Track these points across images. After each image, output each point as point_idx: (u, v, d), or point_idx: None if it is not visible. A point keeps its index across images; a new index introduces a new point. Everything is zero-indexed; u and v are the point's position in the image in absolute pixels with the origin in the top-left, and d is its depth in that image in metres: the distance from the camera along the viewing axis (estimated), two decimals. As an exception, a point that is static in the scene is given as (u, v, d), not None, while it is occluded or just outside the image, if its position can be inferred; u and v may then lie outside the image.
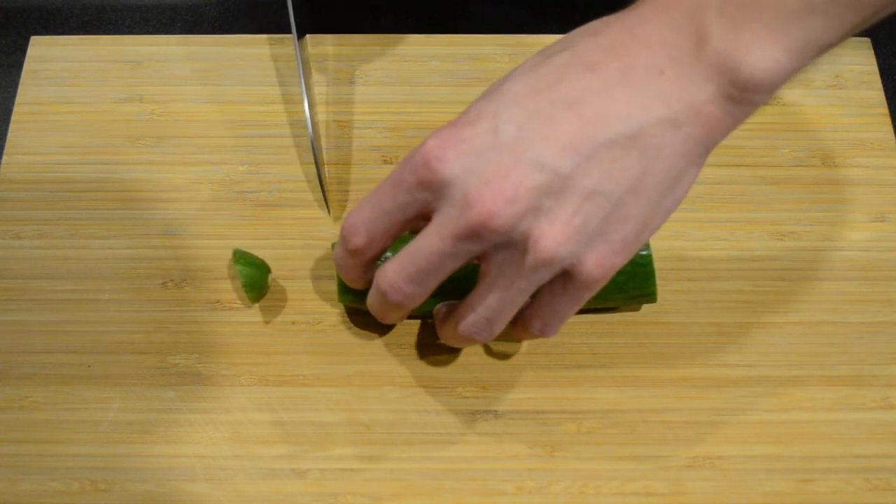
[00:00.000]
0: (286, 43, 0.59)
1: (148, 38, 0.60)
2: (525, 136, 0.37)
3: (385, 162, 0.55)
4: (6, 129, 0.56)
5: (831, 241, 0.53)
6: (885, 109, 0.58)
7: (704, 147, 0.38)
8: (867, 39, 0.60)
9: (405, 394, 0.49)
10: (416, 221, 0.41)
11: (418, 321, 0.51)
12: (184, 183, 0.55)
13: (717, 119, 0.38)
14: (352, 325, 0.51)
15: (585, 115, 0.37)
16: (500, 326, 0.42)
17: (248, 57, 0.59)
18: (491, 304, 0.41)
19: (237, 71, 0.58)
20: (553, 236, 0.37)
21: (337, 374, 0.49)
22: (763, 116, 0.57)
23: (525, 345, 0.50)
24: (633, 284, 0.48)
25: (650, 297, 0.49)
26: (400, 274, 0.41)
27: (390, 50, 0.59)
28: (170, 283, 0.52)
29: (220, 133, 0.56)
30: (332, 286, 0.52)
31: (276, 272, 0.52)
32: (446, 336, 0.45)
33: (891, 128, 0.57)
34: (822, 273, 0.53)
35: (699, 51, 0.37)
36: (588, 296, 0.40)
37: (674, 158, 0.38)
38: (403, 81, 0.58)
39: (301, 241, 0.53)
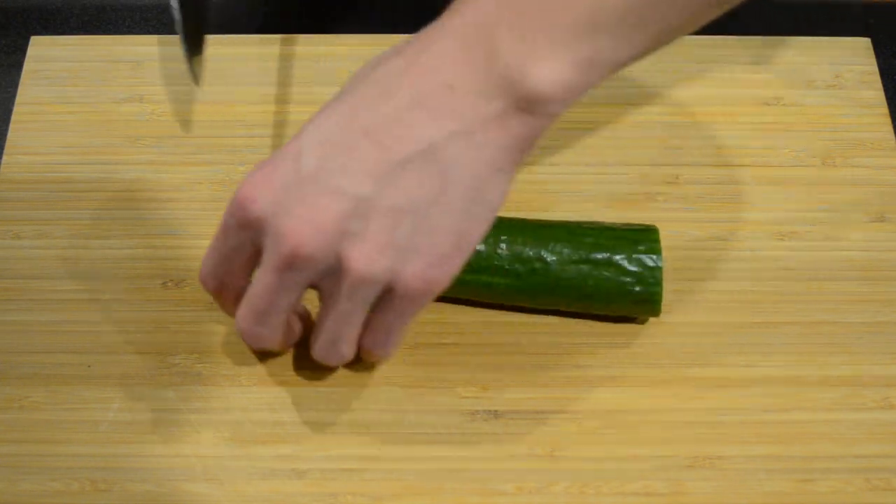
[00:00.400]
0: (286, 43, 0.59)
1: (148, 38, 0.60)
2: (326, 166, 0.39)
3: (385, 162, 0.55)
4: (6, 129, 0.56)
5: (831, 241, 0.53)
6: (885, 109, 0.58)
7: (509, 153, 0.40)
8: (867, 39, 0.60)
9: (405, 394, 0.49)
10: (257, 257, 0.43)
11: (422, 321, 0.51)
12: (184, 183, 0.55)
13: (514, 129, 0.39)
14: (352, 325, 0.51)
15: (381, 140, 0.39)
16: (346, 348, 0.44)
17: (248, 57, 0.59)
18: (330, 328, 0.43)
19: (237, 71, 0.58)
20: (364, 255, 0.40)
21: (337, 374, 0.49)
22: (763, 116, 0.57)
23: (525, 345, 0.50)
24: (639, 287, 0.48)
25: (654, 306, 0.49)
26: (246, 318, 0.43)
27: (390, 50, 0.59)
28: (170, 283, 0.52)
29: (220, 133, 0.56)
30: (332, 286, 0.52)
31: (276, 272, 0.52)
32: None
33: (891, 128, 0.57)
34: (822, 273, 0.52)
35: (489, 65, 0.38)
36: (414, 309, 0.42)
37: (474, 167, 0.39)
38: (403, 81, 0.58)
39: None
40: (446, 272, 0.41)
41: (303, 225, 0.39)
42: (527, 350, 0.50)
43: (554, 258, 0.48)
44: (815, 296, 0.52)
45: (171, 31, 0.61)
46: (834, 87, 0.58)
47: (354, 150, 0.39)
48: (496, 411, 0.49)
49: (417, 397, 0.49)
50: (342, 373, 0.49)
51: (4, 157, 0.55)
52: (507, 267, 0.48)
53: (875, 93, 0.58)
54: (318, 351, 0.45)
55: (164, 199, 0.54)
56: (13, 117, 0.56)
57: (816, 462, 0.48)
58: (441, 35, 0.40)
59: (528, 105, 0.39)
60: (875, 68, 0.59)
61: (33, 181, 0.54)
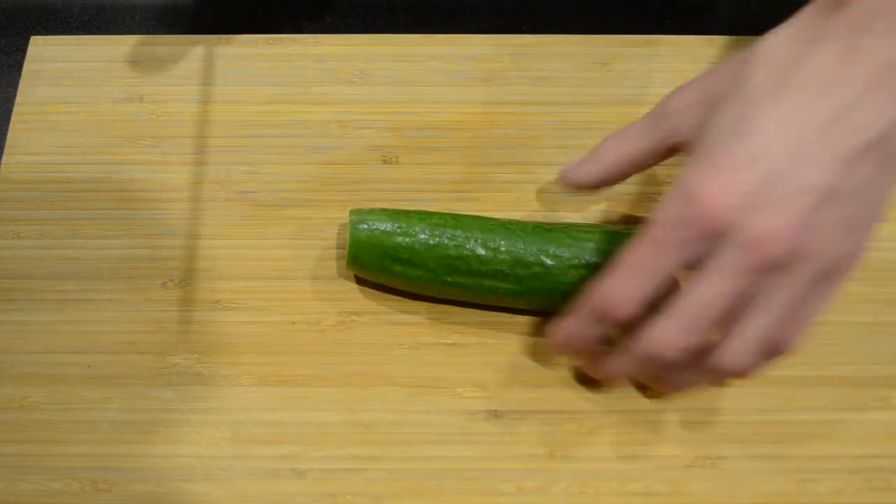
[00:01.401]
0: (286, 43, 0.59)
1: (148, 38, 0.60)
2: (792, 164, 0.40)
3: (385, 162, 0.55)
4: (6, 129, 0.56)
5: (831, 241, 0.53)
6: (885, 109, 0.57)
7: None
8: (867, 39, 0.60)
9: (405, 394, 0.49)
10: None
11: (422, 321, 0.51)
12: (184, 183, 0.55)
13: None
14: (352, 325, 0.51)
15: (843, 129, 0.40)
16: (789, 344, 0.43)
17: (248, 57, 0.59)
18: (762, 329, 0.42)
19: (237, 71, 0.58)
20: (829, 242, 0.40)
21: (337, 374, 0.49)
22: (763, 116, 0.57)
23: (525, 345, 0.50)
24: None
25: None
26: (677, 332, 0.42)
27: (390, 50, 0.59)
28: (170, 283, 0.52)
29: (220, 133, 0.56)
30: (333, 286, 0.52)
31: (276, 272, 0.52)
32: (677, 383, 0.45)
33: (891, 128, 0.57)
34: (822, 273, 0.52)
35: None
36: (839, 286, 0.42)
37: None
38: (403, 81, 0.58)
39: (301, 241, 0.53)
40: (868, 244, 0.42)
41: (778, 226, 0.39)
42: (527, 350, 0.50)
43: (554, 263, 0.48)
44: (815, 296, 0.52)
45: (172, 31, 0.61)
46: None
47: (817, 143, 0.40)
48: (496, 411, 0.49)
49: (417, 397, 0.49)
50: (342, 372, 0.49)
51: (4, 157, 0.55)
52: (507, 271, 0.48)
53: (875, 93, 0.58)
54: (739, 357, 0.42)
55: (164, 199, 0.54)
56: (13, 117, 0.56)
57: (816, 462, 0.48)
58: (868, 16, 0.40)
59: None
60: (875, 68, 0.59)
61: (33, 181, 0.54)
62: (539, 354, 0.50)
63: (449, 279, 0.49)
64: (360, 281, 0.52)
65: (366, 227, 0.49)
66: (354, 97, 0.58)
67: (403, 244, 0.49)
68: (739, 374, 0.43)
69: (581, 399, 0.49)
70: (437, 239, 0.49)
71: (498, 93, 0.58)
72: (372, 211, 0.50)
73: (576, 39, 0.60)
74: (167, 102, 0.57)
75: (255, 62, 0.59)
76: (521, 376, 0.50)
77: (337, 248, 0.53)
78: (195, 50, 0.59)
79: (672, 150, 0.46)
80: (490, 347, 0.50)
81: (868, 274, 0.52)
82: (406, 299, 0.51)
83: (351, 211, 0.50)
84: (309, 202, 0.54)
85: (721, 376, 0.44)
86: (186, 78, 0.58)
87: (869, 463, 0.48)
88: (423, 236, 0.49)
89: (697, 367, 0.44)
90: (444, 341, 0.50)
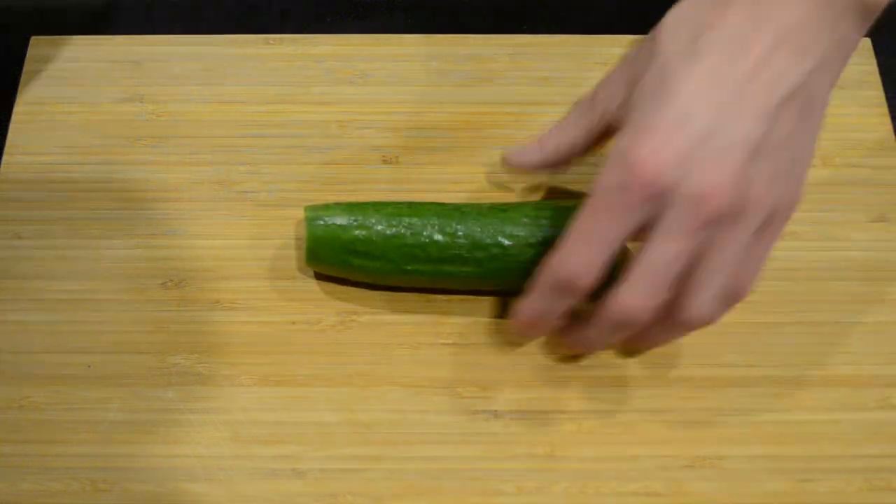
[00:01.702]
0: (286, 43, 0.59)
1: (148, 38, 0.60)
2: (720, 123, 0.42)
3: (385, 162, 0.55)
4: (6, 129, 0.56)
5: (831, 241, 0.53)
6: (884, 109, 0.58)
7: (843, 66, 0.44)
8: (867, 39, 0.60)
9: (405, 394, 0.49)
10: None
11: (422, 321, 0.51)
12: (184, 183, 0.55)
13: (851, 45, 0.44)
14: (351, 325, 0.51)
15: (758, 87, 0.42)
16: (746, 289, 0.45)
17: (248, 57, 0.59)
18: (720, 280, 0.43)
19: (237, 71, 0.58)
20: (763, 192, 0.42)
21: (337, 374, 0.49)
22: (763, 116, 0.57)
23: (525, 345, 0.50)
24: None
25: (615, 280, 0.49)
26: (643, 295, 0.43)
27: (390, 50, 0.59)
28: (170, 283, 0.52)
29: (220, 133, 0.56)
30: (333, 287, 0.52)
31: (276, 272, 0.52)
32: (649, 340, 0.47)
33: (891, 128, 0.57)
34: (822, 273, 0.53)
35: None
36: (781, 232, 0.44)
37: (826, 91, 0.44)
38: (403, 81, 0.58)
39: (301, 241, 0.53)
40: (804, 189, 0.44)
41: (717, 181, 0.41)
42: (527, 350, 0.50)
43: (512, 242, 0.48)
44: (815, 296, 0.52)
45: (171, 31, 0.61)
46: (834, 87, 0.58)
47: (738, 100, 0.42)
48: (496, 411, 0.49)
49: (417, 397, 0.49)
50: (342, 372, 0.49)
51: (4, 157, 0.55)
52: (466, 255, 0.48)
53: (875, 93, 0.58)
54: (701, 308, 0.44)
55: (164, 199, 0.54)
56: (13, 117, 0.56)
57: (816, 462, 0.48)
58: None
59: (869, 15, 0.43)
60: (875, 68, 0.59)
61: (33, 181, 0.54)
62: (539, 354, 0.50)
63: (409, 268, 0.49)
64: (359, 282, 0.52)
65: (322, 222, 0.49)
66: (354, 97, 0.58)
67: (361, 237, 0.49)
68: (705, 323, 0.45)
69: (581, 399, 0.49)
70: (394, 229, 0.49)
71: (498, 93, 0.58)
72: (327, 206, 0.50)
73: (576, 39, 0.60)
74: (167, 102, 0.57)
75: (255, 62, 0.59)
76: (521, 376, 0.50)
77: (337, 248, 0.53)
78: (195, 50, 0.59)
79: (606, 133, 0.48)
80: (490, 347, 0.50)
81: (868, 274, 0.53)
82: (405, 300, 0.51)
83: (306, 207, 0.50)
84: (309, 202, 0.54)
85: (689, 328, 0.45)
86: (186, 78, 0.58)
87: (869, 463, 0.48)
88: (379, 227, 0.49)
89: (664, 324, 0.45)
90: (444, 341, 0.50)
